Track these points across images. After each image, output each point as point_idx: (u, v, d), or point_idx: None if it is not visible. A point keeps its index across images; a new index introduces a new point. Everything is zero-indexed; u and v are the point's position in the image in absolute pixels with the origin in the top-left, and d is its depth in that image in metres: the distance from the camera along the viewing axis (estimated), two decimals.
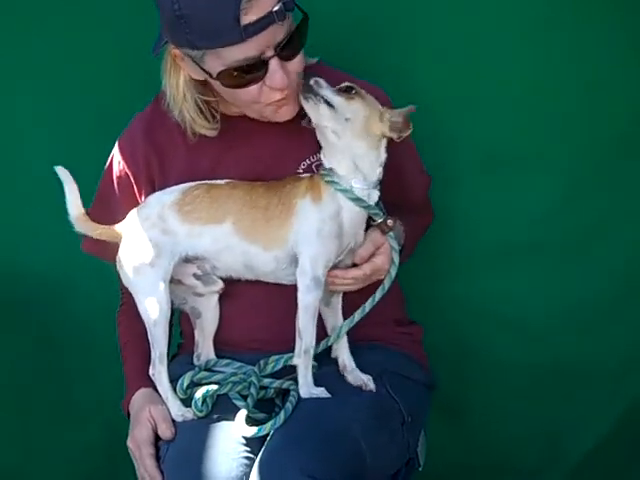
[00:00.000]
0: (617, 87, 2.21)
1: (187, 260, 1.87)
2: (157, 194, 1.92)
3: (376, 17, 2.24)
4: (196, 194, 1.87)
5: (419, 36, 2.23)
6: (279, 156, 1.92)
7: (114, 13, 2.26)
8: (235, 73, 1.77)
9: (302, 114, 1.85)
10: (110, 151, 2.03)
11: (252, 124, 1.94)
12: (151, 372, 1.87)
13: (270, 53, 1.76)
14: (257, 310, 1.93)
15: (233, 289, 1.93)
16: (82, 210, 1.91)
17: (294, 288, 1.82)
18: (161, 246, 1.84)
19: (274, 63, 1.77)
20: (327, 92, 1.81)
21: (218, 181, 1.90)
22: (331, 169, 1.83)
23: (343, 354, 1.89)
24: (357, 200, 1.81)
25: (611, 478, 2.42)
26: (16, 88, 2.32)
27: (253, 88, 1.79)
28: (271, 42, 1.75)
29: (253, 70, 1.77)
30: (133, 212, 1.90)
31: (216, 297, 1.94)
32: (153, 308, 1.84)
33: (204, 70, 1.80)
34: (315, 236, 1.80)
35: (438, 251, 2.33)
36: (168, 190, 1.90)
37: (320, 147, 1.87)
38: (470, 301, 2.36)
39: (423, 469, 2.01)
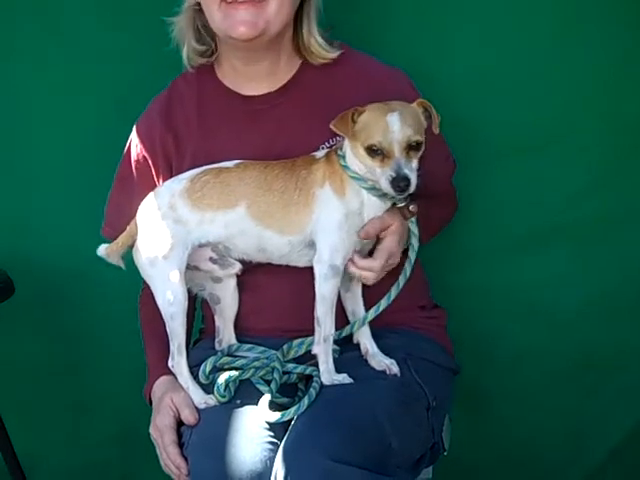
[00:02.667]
0: None
1: (201, 245, 1.90)
2: (167, 183, 1.96)
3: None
4: (205, 180, 1.89)
5: (443, 16, 2.26)
6: (295, 139, 1.96)
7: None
8: None
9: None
10: (129, 136, 2.08)
11: (268, 106, 1.99)
12: (170, 364, 1.91)
13: None
14: (277, 301, 1.97)
15: (252, 281, 1.97)
16: (108, 247, 1.95)
17: (313, 276, 1.85)
18: (174, 237, 1.87)
19: None
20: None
21: (227, 163, 1.91)
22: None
23: (365, 339, 1.92)
24: (373, 190, 1.83)
25: (637, 476, 2.43)
26: (33, 74, 2.37)
27: None
28: None
29: None
30: (145, 202, 1.93)
31: (234, 282, 1.98)
32: (169, 300, 1.87)
33: None
34: (336, 228, 1.83)
35: (461, 237, 2.35)
36: (177, 178, 1.94)
37: None
38: (493, 288, 2.38)
39: (446, 456, 2.04)
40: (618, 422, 2.41)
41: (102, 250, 1.95)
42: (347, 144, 1.84)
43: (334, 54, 2.02)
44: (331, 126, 1.80)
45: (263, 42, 1.94)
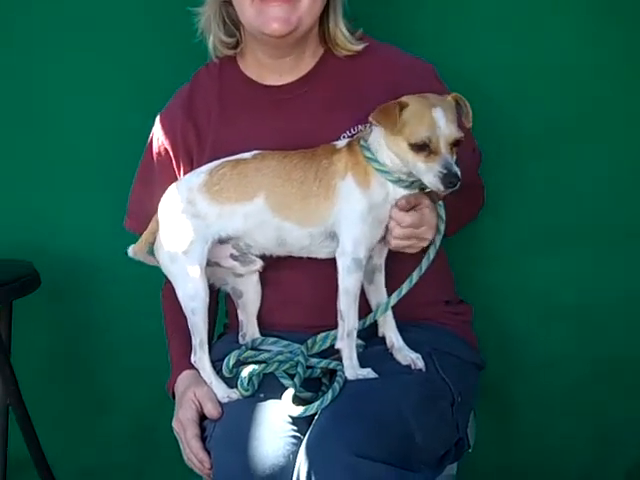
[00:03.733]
0: None
1: (221, 241, 1.91)
2: (185, 178, 1.97)
3: None
4: (223, 172, 1.89)
5: (469, 7, 2.26)
6: (318, 129, 1.95)
7: None
8: None
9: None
10: (151, 129, 2.10)
11: (290, 96, 1.99)
12: (192, 359, 1.93)
13: None
14: (300, 296, 1.98)
15: (275, 276, 1.98)
16: (134, 246, 1.97)
17: (336, 271, 1.85)
18: (193, 232, 1.87)
19: None
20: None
21: (244, 155, 1.91)
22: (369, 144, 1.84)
23: (390, 332, 1.92)
24: (399, 182, 1.83)
25: None
26: (55, 68, 2.40)
27: None
28: None
29: None
30: (164, 198, 1.94)
31: (256, 276, 1.98)
32: (190, 296, 1.88)
33: None
34: (360, 220, 1.83)
35: (488, 234, 2.35)
36: (195, 172, 1.94)
37: (359, 119, 1.89)
38: (520, 287, 2.37)
39: (471, 453, 2.03)
40: None
41: (130, 251, 1.97)
42: (379, 136, 1.82)
43: (359, 46, 2.02)
44: (371, 119, 1.78)
45: (294, 38, 1.95)
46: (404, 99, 1.79)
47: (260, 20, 1.92)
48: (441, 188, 1.76)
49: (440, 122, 1.75)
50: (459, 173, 1.75)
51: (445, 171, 1.74)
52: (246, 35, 2.02)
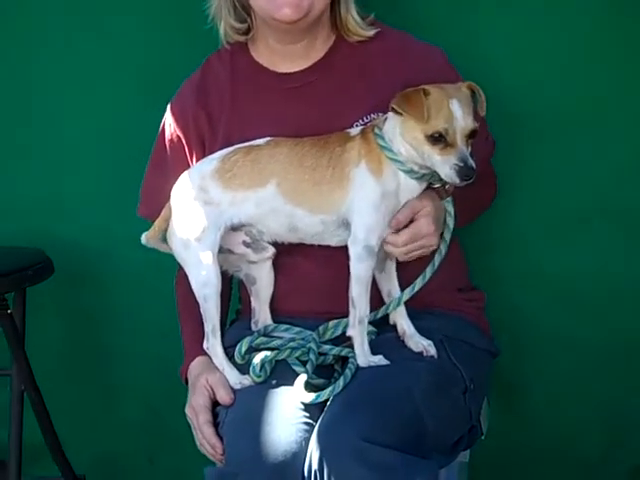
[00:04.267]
0: None
1: (234, 229, 1.91)
2: (197, 165, 1.98)
3: None
4: (235, 159, 1.89)
5: None
6: (331, 115, 1.95)
7: None
8: None
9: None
10: (163, 116, 2.10)
11: (303, 83, 1.99)
12: (205, 346, 1.94)
13: None
14: (313, 283, 1.98)
15: (288, 263, 1.98)
16: (147, 234, 1.98)
17: (348, 258, 1.85)
18: (206, 218, 1.88)
19: None
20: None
21: (258, 141, 1.91)
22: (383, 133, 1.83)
23: (401, 320, 1.92)
24: (410, 172, 1.83)
25: None
26: (65, 56, 2.40)
27: None
28: None
29: None
30: (176, 185, 1.95)
31: (269, 263, 1.98)
32: (203, 283, 1.89)
33: None
34: (373, 208, 1.83)
35: (502, 220, 2.34)
36: (208, 159, 1.95)
37: (372, 106, 1.88)
38: (534, 273, 2.36)
39: (484, 440, 2.04)
40: None
41: (143, 238, 1.98)
42: (393, 125, 1.81)
43: (371, 32, 2.02)
44: (395, 106, 1.77)
45: (305, 23, 1.95)
46: (425, 87, 1.78)
47: (271, 5, 1.91)
48: (457, 181, 1.76)
49: (457, 114, 1.75)
50: (474, 166, 1.74)
51: (462, 164, 1.74)
52: (257, 21, 2.02)
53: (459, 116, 1.75)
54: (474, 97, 1.82)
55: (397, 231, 1.86)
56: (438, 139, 1.75)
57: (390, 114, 1.83)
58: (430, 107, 1.75)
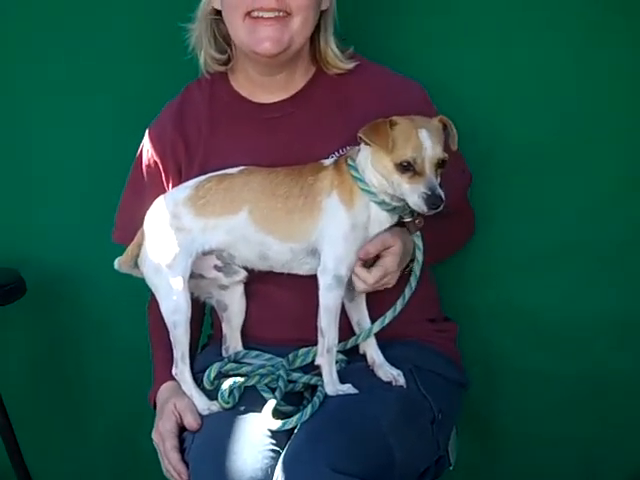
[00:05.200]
0: None
1: (205, 253, 1.92)
2: (171, 192, 2.00)
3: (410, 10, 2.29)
4: (208, 187, 1.91)
5: (457, 27, 2.28)
6: (308, 147, 1.98)
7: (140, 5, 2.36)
8: None
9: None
10: (141, 141, 2.12)
11: (281, 114, 2.02)
12: (174, 372, 1.95)
13: None
14: (285, 311, 2.00)
15: (260, 290, 2.00)
16: (119, 259, 1.99)
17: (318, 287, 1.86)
18: (177, 245, 1.89)
19: None
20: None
21: (231, 170, 1.93)
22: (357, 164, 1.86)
23: (371, 349, 1.93)
24: (382, 204, 1.85)
25: None
26: (48, 83, 2.42)
27: None
28: None
29: None
30: (150, 211, 1.97)
31: (241, 289, 2.00)
32: (173, 309, 1.90)
33: None
34: (342, 239, 1.85)
35: (477, 254, 2.35)
36: (182, 186, 1.97)
37: (349, 139, 1.90)
38: (507, 307, 2.37)
39: (452, 471, 2.04)
40: (632, 451, 2.38)
41: (116, 263, 1.99)
42: (365, 156, 1.85)
43: (350, 65, 2.05)
44: (362, 135, 1.80)
45: (285, 57, 1.98)
46: (393, 118, 1.82)
47: (252, 39, 1.95)
48: (425, 209, 1.78)
49: (426, 143, 1.78)
50: (443, 195, 1.77)
51: (429, 192, 1.77)
52: (237, 52, 2.05)
53: (428, 146, 1.78)
54: (446, 131, 1.85)
55: (366, 266, 1.88)
56: (406, 168, 1.78)
57: (362, 145, 1.86)
58: (397, 137, 1.78)
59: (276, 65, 2.01)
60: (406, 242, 1.90)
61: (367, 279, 1.87)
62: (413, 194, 1.78)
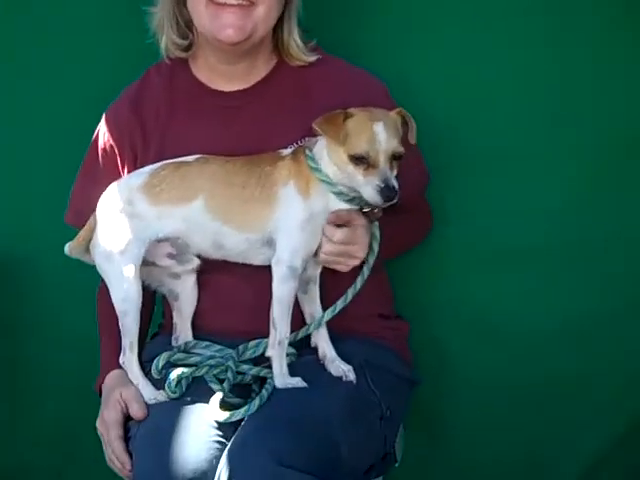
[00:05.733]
0: (630, 86, 2.23)
1: (159, 240, 1.91)
2: (125, 178, 1.98)
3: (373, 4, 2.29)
4: (164, 174, 1.90)
5: (422, 23, 2.27)
6: (265, 137, 1.97)
7: None
8: None
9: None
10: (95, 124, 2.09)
11: (240, 103, 2.01)
12: (121, 360, 1.93)
13: None
14: (237, 302, 1.98)
15: (212, 280, 1.98)
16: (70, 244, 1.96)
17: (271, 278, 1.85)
18: (130, 232, 1.88)
19: None
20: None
21: (187, 158, 1.92)
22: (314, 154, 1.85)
23: (323, 343, 1.93)
24: (341, 194, 1.85)
25: None
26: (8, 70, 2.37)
27: None
28: None
29: None
30: (103, 197, 1.94)
31: (193, 278, 1.98)
32: (123, 297, 1.88)
33: None
34: (298, 229, 1.84)
35: (433, 252, 2.35)
36: (137, 173, 1.95)
37: (308, 130, 1.89)
38: (460, 306, 2.38)
39: (398, 468, 2.04)
40: (581, 453, 2.40)
41: (67, 248, 1.96)
42: (323, 146, 1.85)
43: (312, 57, 2.05)
44: (315, 126, 1.80)
45: (248, 45, 1.97)
46: (349, 110, 1.82)
47: (214, 25, 1.93)
48: (379, 201, 1.78)
49: (380, 136, 1.78)
50: (397, 187, 1.78)
51: (383, 185, 1.77)
52: (199, 38, 2.03)
53: (382, 139, 1.78)
54: (405, 125, 1.85)
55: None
56: (360, 160, 1.78)
57: (320, 136, 1.86)
58: (351, 129, 1.78)
59: (238, 54, 1.99)
60: (368, 226, 1.89)
61: (333, 234, 1.84)
62: (367, 186, 1.78)
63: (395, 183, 1.78)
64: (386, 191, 1.77)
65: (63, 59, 2.35)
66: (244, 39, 1.94)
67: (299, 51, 2.04)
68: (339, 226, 1.86)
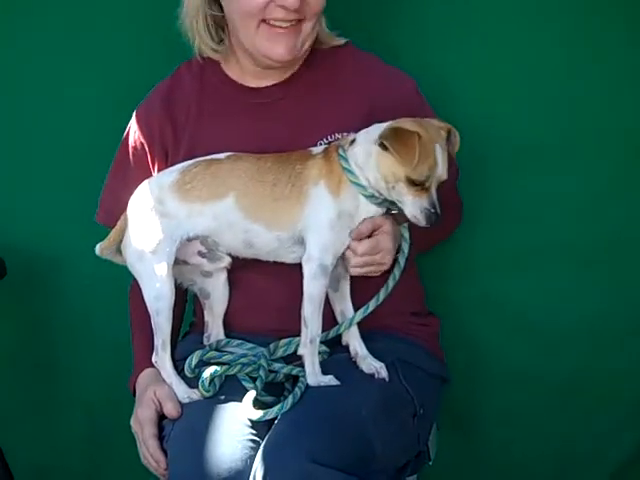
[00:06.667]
0: None
1: (189, 239, 1.91)
2: (156, 176, 1.98)
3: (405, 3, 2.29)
4: (195, 172, 1.89)
5: (449, 19, 2.27)
6: (295, 133, 1.97)
7: None
8: None
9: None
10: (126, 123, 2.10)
11: (270, 99, 2.01)
12: (154, 359, 1.93)
13: None
14: (268, 300, 1.99)
15: (244, 279, 1.98)
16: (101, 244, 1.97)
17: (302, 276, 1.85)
18: (162, 231, 1.88)
19: None
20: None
21: (218, 155, 1.92)
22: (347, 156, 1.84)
23: (354, 341, 1.93)
24: (372, 197, 1.84)
25: None
26: (30, 66, 2.38)
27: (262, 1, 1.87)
28: None
29: None
30: (134, 196, 1.95)
31: (224, 276, 1.99)
32: (156, 296, 1.89)
33: None
34: (328, 227, 1.84)
35: (462, 249, 2.35)
36: (167, 171, 1.95)
37: (339, 126, 1.90)
38: (490, 303, 2.37)
39: (431, 466, 2.04)
40: (612, 451, 2.39)
41: (98, 249, 1.97)
42: (367, 152, 1.81)
43: (341, 40, 2.03)
44: (385, 143, 1.76)
45: (294, 59, 1.97)
46: (417, 129, 1.76)
47: (266, 45, 1.93)
48: (423, 224, 1.79)
49: (439, 162, 1.78)
50: (440, 213, 1.79)
51: (432, 210, 1.78)
52: (235, 44, 2.01)
53: (440, 165, 1.78)
54: (448, 138, 1.84)
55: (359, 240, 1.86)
56: (415, 183, 1.78)
57: (361, 138, 1.84)
58: (421, 153, 1.76)
59: (281, 65, 2.00)
60: (395, 228, 1.89)
61: (356, 248, 1.85)
62: (414, 207, 1.79)
63: (440, 209, 1.79)
64: (433, 216, 1.78)
65: (94, 58, 2.36)
66: (294, 57, 1.95)
67: (327, 36, 2.04)
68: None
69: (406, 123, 1.79)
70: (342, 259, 1.90)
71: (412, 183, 1.78)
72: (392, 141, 1.77)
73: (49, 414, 2.55)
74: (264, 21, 1.92)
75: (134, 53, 2.34)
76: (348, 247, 1.86)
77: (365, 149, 1.83)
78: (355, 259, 1.87)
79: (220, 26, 2.03)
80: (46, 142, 2.41)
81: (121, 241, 1.95)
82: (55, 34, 2.37)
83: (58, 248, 2.44)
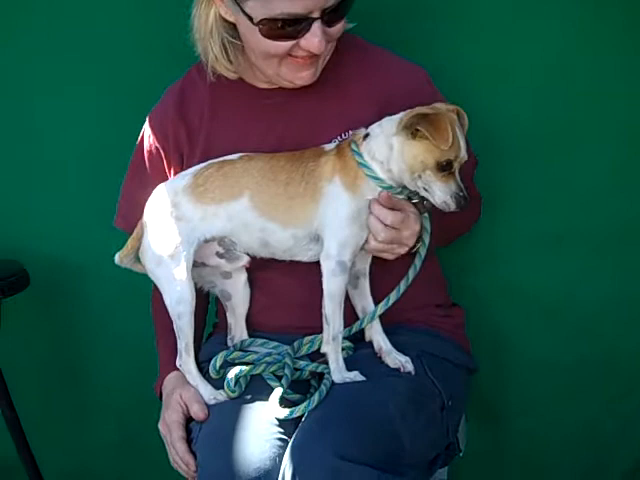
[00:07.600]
0: None
1: (206, 241, 1.91)
2: (171, 180, 1.98)
3: None
4: (208, 174, 1.89)
5: (461, 12, 2.26)
6: (308, 132, 1.96)
7: None
8: (278, 25, 1.83)
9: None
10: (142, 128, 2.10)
11: (282, 97, 2.00)
12: (178, 363, 1.93)
13: (316, 15, 1.83)
14: (289, 298, 1.98)
15: (264, 278, 1.98)
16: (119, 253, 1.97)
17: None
18: (178, 235, 1.88)
19: (316, 26, 1.84)
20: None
21: (231, 156, 1.92)
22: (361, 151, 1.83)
23: (377, 336, 1.92)
24: (390, 189, 1.83)
25: None
26: (48, 70, 2.39)
27: (287, 43, 1.86)
28: (321, 4, 1.82)
29: (295, 26, 1.83)
30: (149, 202, 1.95)
31: (244, 277, 1.98)
32: (177, 300, 1.89)
33: (244, 13, 1.85)
34: (346, 224, 1.83)
35: (482, 237, 2.34)
36: (181, 175, 1.95)
37: (351, 123, 1.89)
38: (513, 290, 2.36)
39: (462, 457, 2.03)
40: (638, 435, 2.37)
41: (117, 258, 1.97)
42: (390, 143, 1.79)
43: (349, 25, 1.98)
44: (420, 128, 1.74)
45: None
46: (439, 111, 1.76)
47: (290, 75, 1.92)
48: (452, 208, 1.78)
49: (461, 143, 1.77)
50: (468, 197, 1.78)
51: (461, 193, 1.77)
52: (251, 63, 1.98)
53: (462, 146, 1.77)
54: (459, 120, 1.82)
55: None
56: (445, 167, 1.76)
57: (376, 132, 1.83)
58: (453, 133, 1.75)
59: None
60: (417, 213, 1.87)
61: (386, 217, 1.82)
62: (444, 193, 1.78)
63: (467, 192, 1.77)
64: (463, 200, 1.77)
65: (104, 63, 2.36)
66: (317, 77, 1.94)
67: None
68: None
69: (423, 110, 1.78)
70: (360, 253, 1.88)
71: (440, 169, 1.76)
72: (426, 126, 1.75)
73: (78, 420, 2.57)
74: (291, 56, 1.90)
75: (146, 57, 2.34)
76: (373, 215, 1.82)
77: (384, 142, 1.82)
78: (382, 230, 1.82)
79: (236, 47, 1.98)
80: (64, 148, 2.42)
81: (139, 248, 1.95)
82: (70, 38, 2.37)
83: (80, 256, 2.46)
